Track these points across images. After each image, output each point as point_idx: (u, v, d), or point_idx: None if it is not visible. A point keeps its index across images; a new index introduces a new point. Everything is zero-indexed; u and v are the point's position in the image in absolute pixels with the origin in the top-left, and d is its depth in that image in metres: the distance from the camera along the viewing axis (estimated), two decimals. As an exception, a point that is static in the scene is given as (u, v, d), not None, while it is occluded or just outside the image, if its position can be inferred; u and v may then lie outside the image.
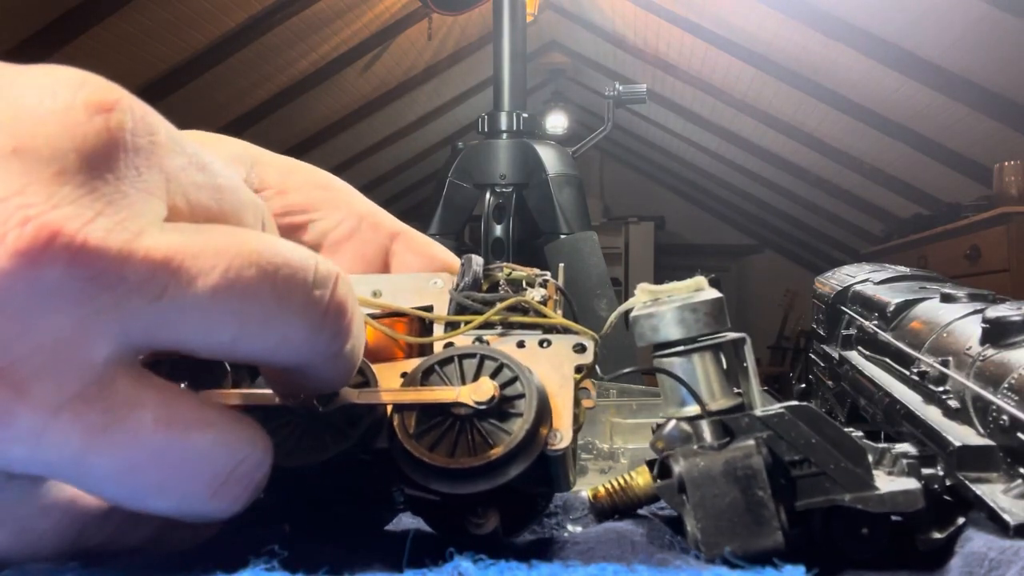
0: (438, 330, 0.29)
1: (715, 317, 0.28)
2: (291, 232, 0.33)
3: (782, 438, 0.26)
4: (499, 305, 0.28)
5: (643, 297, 0.29)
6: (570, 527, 0.30)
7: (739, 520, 0.25)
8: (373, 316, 0.29)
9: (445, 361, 0.26)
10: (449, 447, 0.24)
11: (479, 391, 0.24)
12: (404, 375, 0.27)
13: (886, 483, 0.26)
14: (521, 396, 0.25)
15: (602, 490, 0.31)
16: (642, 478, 0.30)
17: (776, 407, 0.27)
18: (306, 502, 0.28)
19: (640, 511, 0.31)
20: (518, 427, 0.24)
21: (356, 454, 0.25)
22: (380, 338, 0.29)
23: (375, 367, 0.27)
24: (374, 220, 0.34)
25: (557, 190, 1.50)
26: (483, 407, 0.24)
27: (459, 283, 0.30)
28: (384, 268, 0.33)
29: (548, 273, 0.31)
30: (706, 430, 0.27)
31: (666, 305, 0.28)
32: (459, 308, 0.29)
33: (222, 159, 0.31)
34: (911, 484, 0.26)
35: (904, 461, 0.28)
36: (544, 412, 0.25)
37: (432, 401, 0.25)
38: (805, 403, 0.27)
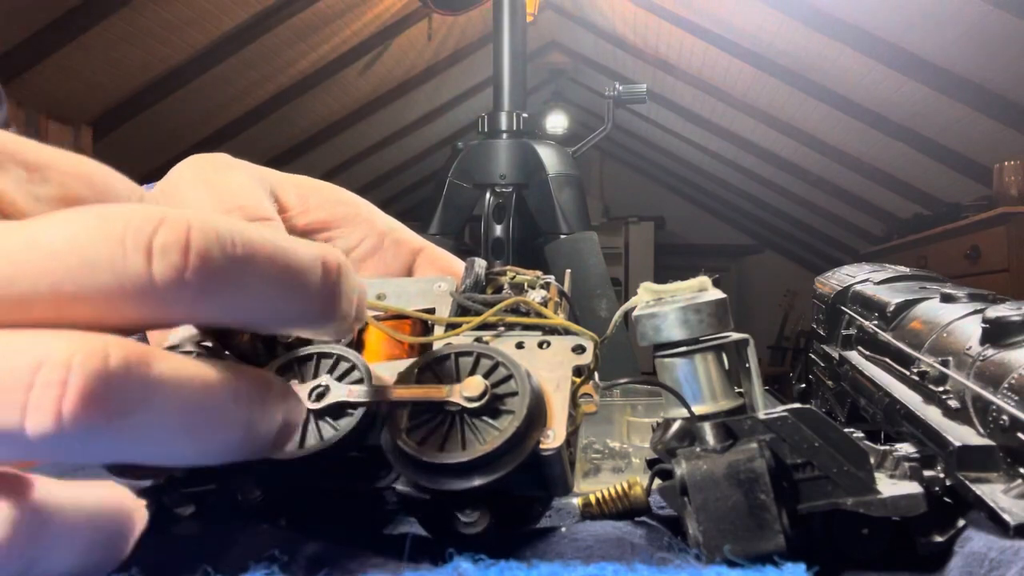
0: (439, 331, 0.29)
1: (718, 318, 0.28)
2: None
3: (785, 441, 0.26)
4: (498, 306, 0.28)
5: (645, 296, 0.29)
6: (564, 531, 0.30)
7: (741, 523, 0.25)
8: (377, 318, 0.29)
9: (441, 359, 0.26)
10: (439, 443, 0.24)
11: (469, 387, 0.24)
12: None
13: (888, 487, 0.26)
14: (514, 394, 0.24)
15: (592, 500, 0.31)
16: (634, 490, 0.30)
17: (779, 410, 0.27)
18: (300, 497, 0.28)
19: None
20: (508, 424, 0.24)
21: (348, 450, 0.25)
22: (383, 339, 0.29)
23: (374, 366, 0.27)
24: (396, 236, 0.35)
25: (557, 190, 1.50)
26: (473, 403, 0.24)
27: (461, 286, 0.30)
28: None
29: (552, 277, 0.31)
30: (708, 432, 0.27)
31: (669, 305, 0.28)
32: (461, 310, 0.29)
33: (247, 180, 0.31)
34: (913, 488, 0.26)
35: (906, 464, 0.29)
36: (537, 411, 0.25)
37: (423, 398, 0.25)
38: (808, 406, 0.27)
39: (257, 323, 0.21)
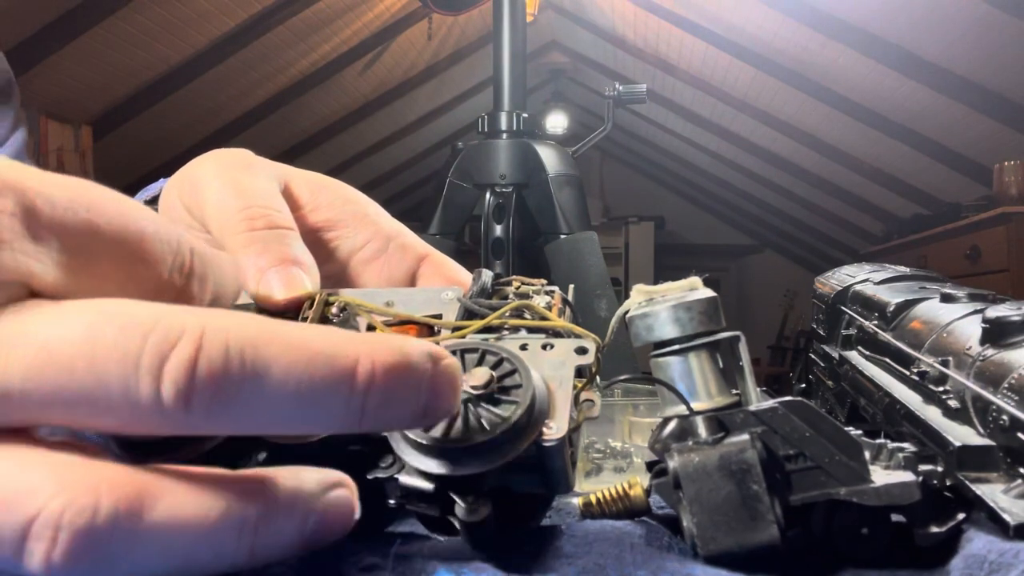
0: (445, 335, 0.29)
1: (709, 316, 0.28)
2: (320, 249, 0.33)
3: (776, 432, 0.26)
4: (502, 309, 0.29)
5: (638, 298, 0.30)
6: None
7: (734, 514, 0.25)
8: (386, 323, 0.30)
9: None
10: (444, 429, 0.25)
11: (475, 377, 0.25)
12: None
13: (882, 477, 0.26)
14: (519, 386, 0.25)
15: (593, 500, 0.31)
16: (634, 490, 0.30)
17: (770, 402, 0.27)
18: None
19: None
20: (512, 412, 0.24)
21: (352, 442, 0.26)
22: None
23: None
24: (401, 241, 0.35)
25: (557, 190, 1.50)
26: (479, 392, 0.25)
27: (468, 294, 0.31)
28: None
29: (556, 287, 0.32)
30: (701, 426, 0.27)
31: (660, 305, 0.28)
32: (467, 314, 0.30)
33: (269, 186, 0.31)
34: (907, 476, 0.26)
35: (900, 455, 0.28)
36: (541, 402, 0.25)
37: None
38: (799, 398, 0.27)
39: (278, 433, 0.21)
